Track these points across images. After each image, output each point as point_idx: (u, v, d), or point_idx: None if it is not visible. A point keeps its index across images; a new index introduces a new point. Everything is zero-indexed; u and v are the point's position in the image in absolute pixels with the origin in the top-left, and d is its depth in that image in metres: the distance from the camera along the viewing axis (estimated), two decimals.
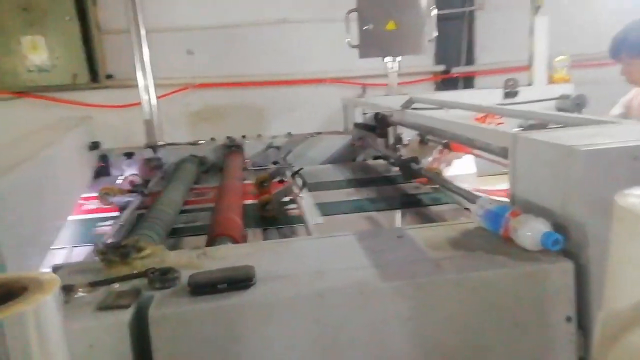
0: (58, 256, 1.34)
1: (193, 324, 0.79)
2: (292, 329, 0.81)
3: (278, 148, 2.38)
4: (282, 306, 0.81)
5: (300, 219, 1.51)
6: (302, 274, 0.88)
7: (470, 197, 1.37)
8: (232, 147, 2.53)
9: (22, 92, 3.49)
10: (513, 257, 0.89)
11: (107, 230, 1.45)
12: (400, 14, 2.63)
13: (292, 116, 3.81)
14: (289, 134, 2.72)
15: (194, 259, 0.98)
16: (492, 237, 0.98)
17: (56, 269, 0.99)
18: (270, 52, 3.76)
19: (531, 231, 0.89)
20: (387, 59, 2.73)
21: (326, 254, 0.97)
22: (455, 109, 2.07)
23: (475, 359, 0.86)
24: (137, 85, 2.63)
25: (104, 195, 1.78)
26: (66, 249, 1.36)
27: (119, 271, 0.93)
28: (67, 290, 0.83)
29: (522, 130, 2.49)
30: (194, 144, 2.61)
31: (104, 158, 2.43)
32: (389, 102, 2.53)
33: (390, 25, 2.63)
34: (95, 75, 3.46)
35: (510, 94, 2.68)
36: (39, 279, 0.56)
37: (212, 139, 2.70)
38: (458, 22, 3.86)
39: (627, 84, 2.49)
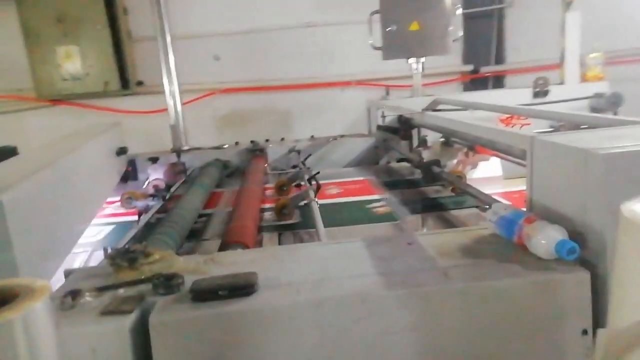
0: (78, 259, 1.37)
1: (193, 330, 0.79)
2: (292, 337, 0.79)
3: (298, 152, 2.37)
4: (282, 314, 0.79)
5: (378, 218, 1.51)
6: (305, 281, 0.86)
7: (490, 202, 1.33)
8: (256, 151, 2.55)
9: (58, 100, 3.63)
10: (525, 266, 0.85)
11: (126, 234, 1.48)
12: (424, 14, 2.58)
13: (318, 120, 3.81)
14: (312, 137, 2.71)
15: (201, 265, 0.98)
16: (506, 245, 0.94)
17: (68, 273, 1.01)
18: (295, 55, 3.77)
19: (545, 239, 0.85)
20: (411, 60, 2.68)
21: (332, 261, 0.95)
22: (479, 110, 2.01)
23: None
24: (165, 92, 2.69)
25: (126, 200, 1.82)
26: (86, 253, 1.40)
27: (126, 276, 0.94)
28: (74, 294, 0.85)
29: (551, 131, 2.41)
30: (219, 148, 2.64)
31: (132, 163, 2.50)
32: (414, 104, 2.49)
33: (414, 26, 2.59)
34: (126, 82, 3.56)
35: (539, 93, 2.59)
36: (30, 285, 0.56)
37: (236, 143, 2.73)
38: (487, 21, 3.76)
39: None
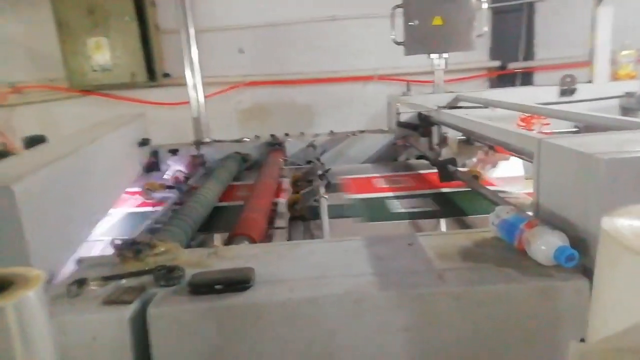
0: (96, 248, 1.42)
1: (189, 322, 0.81)
2: (285, 333, 0.81)
3: (314, 147, 2.37)
4: (276, 310, 0.81)
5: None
6: (301, 278, 0.88)
7: (501, 203, 1.31)
8: (275, 145, 2.56)
9: (88, 90, 3.74)
10: (523, 272, 0.84)
11: (142, 224, 1.52)
12: (447, 8, 2.53)
13: (339, 114, 3.80)
14: (331, 132, 2.71)
15: (204, 258, 1.01)
16: (507, 249, 0.93)
17: (79, 261, 1.05)
18: (319, 49, 3.77)
19: (545, 245, 0.83)
20: (433, 55, 2.64)
21: (331, 259, 0.96)
22: (498, 108, 1.97)
23: None
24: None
25: (146, 191, 1.87)
26: (102, 242, 1.44)
27: (132, 267, 0.97)
28: (80, 283, 0.89)
29: (575, 132, 2.34)
30: (239, 141, 2.67)
31: (155, 154, 2.55)
32: (435, 100, 2.46)
33: (437, 21, 2.54)
34: (152, 74, 3.63)
35: (566, 91, 2.51)
36: (25, 275, 0.59)
37: (257, 136, 2.75)
38: (516, 15, 3.66)
39: None
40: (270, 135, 2.68)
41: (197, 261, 0.99)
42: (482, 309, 0.81)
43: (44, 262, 1.00)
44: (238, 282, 0.84)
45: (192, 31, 2.71)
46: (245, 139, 2.69)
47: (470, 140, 2.29)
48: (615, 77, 2.62)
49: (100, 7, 3.49)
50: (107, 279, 0.92)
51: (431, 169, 2.19)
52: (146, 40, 3.59)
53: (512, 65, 3.72)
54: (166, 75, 3.80)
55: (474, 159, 2.31)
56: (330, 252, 1.00)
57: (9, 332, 0.54)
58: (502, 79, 3.78)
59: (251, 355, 0.81)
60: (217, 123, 3.49)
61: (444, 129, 2.38)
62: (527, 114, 2.04)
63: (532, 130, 2.20)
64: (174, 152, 2.44)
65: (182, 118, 2.81)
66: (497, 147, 2.12)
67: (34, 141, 2.46)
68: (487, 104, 2.15)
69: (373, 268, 0.90)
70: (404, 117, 2.59)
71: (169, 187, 1.87)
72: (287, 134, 2.73)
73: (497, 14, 3.68)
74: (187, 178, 2.07)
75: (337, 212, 1.62)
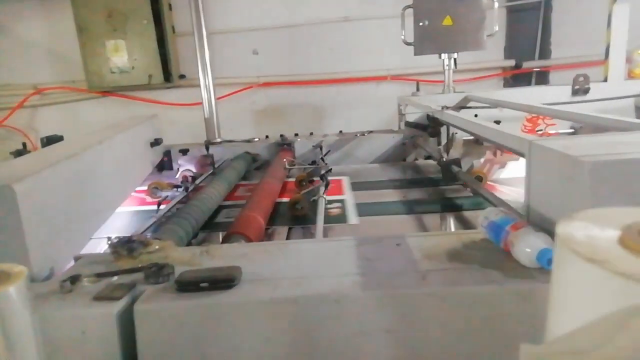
0: (100, 246, 1.46)
1: (174, 319, 0.83)
2: (267, 332, 0.82)
3: (320, 147, 2.39)
4: (257, 309, 0.82)
5: (329, 219, 1.54)
6: (287, 278, 0.89)
7: (501, 206, 1.30)
8: (283, 145, 2.59)
9: (107, 91, 3.84)
10: (506, 274, 0.83)
11: (146, 222, 1.56)
12: (458, 8, 2.51)
13: (352, 114, 3.81)
14: (340, 132, 2.72)
15: (196, 257, 1.03)
16: (494, 251, 0.92)
17: (77, 258, 1.09)
18: (332, 50, 3.78)
19: (529, 247, 0.83)
20: (443, 55, 2.62)
21: (319, 259, 0.97)
22: (505, 108, 1.95)
23: None
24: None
25: (153, 189, 1.91)
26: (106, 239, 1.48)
27: (125, 264, 1.00)
28: (73, 280, 0.92)
29: (571, 133, 2.29)
30: (249, 141, 2.70)
31: (167, 153, 2.61)
32: (444, 101, 2.44)
33: (447, 21, 2.53)
34: (168, 75, 3.70)
35: (579, 91, 2.46)
36: (7, 271, 0.62)
37: (267, 136, 2.78)
38: (532, 13, 3.59)
39: None
40: (279, 136, 2.71)
41: (188, 259, 1.01)
42: (464, 310, 0.81)
43: (44, 260, 1.04)
44: (223, 281, 0.86)
45: (204, 33, 2.75)
46: (255, 139, 2.73)
47: (479, 140, 2.27)
48: (630, 75, 2.56)
49: (118, 11, 3.58)
50: (99, 275, 0.95)
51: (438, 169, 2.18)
52: (163, 42, 3.66)
53: (527, 64, 3.66)
54: (182, 76, 3.87)
55: (482, 160, 2.29)
56: (319, 252, 1.01)
57: None
58: (518, 78, 3.72)
59: (234, 353, 0.83)
60: (232, 123, 3.55)
61: (453, 129, 2.37)
62: (532, 115, 2.01)
63: (538, 130, 2.17)
64: (184, 152, 2.48)
65: (199, 118, 2.85)
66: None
67: (51, 141, 2.54)
68: (494, 105, 2.13)
69: (358, 268, 0.91)
70: (412, 118, 2.58)
71: (176, 186, 1.90)
72: (296, 134, 2.75)
73: (512, 12, 3.63)
74: (194, 177, 2.11)
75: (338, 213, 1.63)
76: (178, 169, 2.47)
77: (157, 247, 1.05)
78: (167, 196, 1.82)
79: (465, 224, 1.57)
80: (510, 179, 2.09)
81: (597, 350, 0.35)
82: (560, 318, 0.47)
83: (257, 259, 0.99)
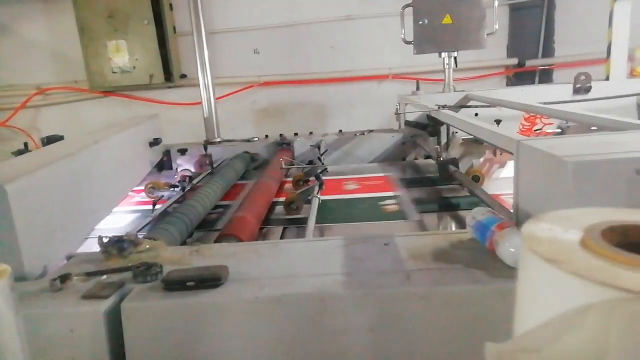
0: (96, 245, 1.47)
1: (161, 317, 0.84)
2: (252, 330, 0.83)
3: (318, 147, 2.39)
4: (243, 308, 0.83)
5: (386, 216, 1.55)
6: (272, 277, 0.89)
7: (494, 205, 1.30)
8: (282, 145, 2.59)
9: (108, 91, 3.86)
10: (490, 273, 0.83)
11: (142, 222, 1.57)
12: (457, 7, 2.50)
13: (354, 113, 3.81)
14: (340, 131, 2.72)
15: (185, 256, 1.04)
16: (480, 251, 0.92)
17: (69, 257, 1.10)
18: (334, 49, 3.78)
19: (513, 247, 0.83)
20: (443, 54, 2.61)
21: (306, 259, 0.97)
22: (503, 107, 1.94)
23: None
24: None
25: (150, 189, 1.92)
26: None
27: (115, 263, 1.01)
28: (63, 278, 0.93)
29: (559, 132, 2.28)
30: (248, 141, 2.71)
31: (167, 153, 2.62)
32: (444, 99, 2.43)
33: (447, 19, 2.52)
34: (169, 75, 3.72)
35: (580, 89, 2.45)
36: None
37: (266, 136, 2.79)
38: (535, 11, 3.57)
39: None
40: (279, 135, 2.72)
41: (178, 259, 1.02)
42: (447, 309, 0.81)
43: (36, 259, 1.05)
44: (209, 280, 0.87)
45: (203, 32, 2.76)
46: (254, 139, 2.73)
47: (479, 139, 2.26)
48: (632, 74, 2.54)
49: (120, 11, 3.59)
50: (89, 274, 0.96)
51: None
52: (164, 42, 3.67)
53: (530, 63, 3.64)
54: (183, 76, 3.88)
55: (481, 159, 2.29)
56: (307, 252, 1.01)
57: None
58: (521, 76, 3.70)
59: (219, 351, 0.83)
60: (233, 123, 3.56)
61: (453, 129, 2.36)
62: (530, 114, 2.00)
63: (536, 130, 2.16)
64: (182, 151, 2.50)
65: (200, 117, 2.87)
66: None
67: (51, 141, 2.56)
68: (494, 104, 2.12)
69: (345, 267, 0.91)
70: (411, 117, 2.58)
71: (173, 186, 1.91)
72: (296, 134, 2.76)
73: (515, 10, 3.61)
74: (191, 177, 2.12)
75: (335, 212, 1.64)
76: (177, 168, 2.48)
77: (147, 246, 1.06)
78: (164, 196, 1.82)
79: (461, 223, 1.57)
80: (510, 179, 2.08)
81: (546, 348, 0.35)
82: (524, 316, 0.48)
83: (245, 258, 1.00)
